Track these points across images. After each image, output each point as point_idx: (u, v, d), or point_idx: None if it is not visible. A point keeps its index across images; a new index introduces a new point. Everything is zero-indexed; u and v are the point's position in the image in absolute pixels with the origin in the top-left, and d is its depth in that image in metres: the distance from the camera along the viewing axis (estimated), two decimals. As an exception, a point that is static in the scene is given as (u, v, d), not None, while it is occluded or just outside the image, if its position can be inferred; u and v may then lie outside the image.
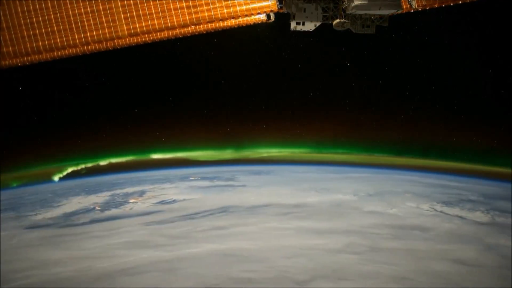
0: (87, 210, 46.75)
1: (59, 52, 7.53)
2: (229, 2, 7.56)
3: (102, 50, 7.77)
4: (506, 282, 27.50)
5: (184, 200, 49.94)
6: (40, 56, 7.45)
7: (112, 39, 7.48)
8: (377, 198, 50.08)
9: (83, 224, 40.72)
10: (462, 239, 35.65)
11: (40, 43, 7.29)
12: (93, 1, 7.27)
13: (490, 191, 60.08)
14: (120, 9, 7.34)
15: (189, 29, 7.86)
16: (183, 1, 7.46)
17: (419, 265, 29.75)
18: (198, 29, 7.96)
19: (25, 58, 7.42)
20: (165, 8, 7.43)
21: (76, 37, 7.38)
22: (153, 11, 7.42)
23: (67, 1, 7.22)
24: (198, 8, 7.50)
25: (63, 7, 7.26)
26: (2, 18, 7.13)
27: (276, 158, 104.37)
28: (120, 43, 7.68)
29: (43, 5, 7.19)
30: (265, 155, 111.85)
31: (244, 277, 27.69)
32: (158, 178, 70.18)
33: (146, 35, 7.71)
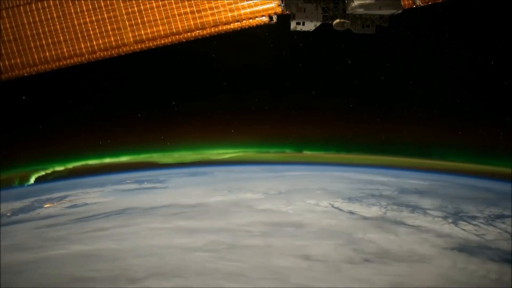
0: (-3, 216, 48.54)
1: (65, 62, 7.65)
2: (233, 6, 7.66)
3: (108, 57, 7.84)
4: (335, 275, 28.18)
5: (94, 203, 51.33)
6: (47, 66, 7.59)
7: (118, 46, 7.64)
8: (283, 196, 50.69)
9: (-19, 229, 42.44)
10: (330, 234, 36.20)
11: (47, 54, 7.45)
12: (98, 10, 7.43)
13: (412, 186, 60.23)
14: (125, 17, 7.51)
15: (194, 33, 7.87)
16: (188, 6, 7.58)
17: (263, 262, 30.53)
18: (202, 34, 7.94)
19: (32, 69, 7.55)
20: (170, 14, 7.56)
21: (82, 46, 7.54)
22: (158, 17, 7.54)
23: (72, 10, 7.43)
24: (203, 13, 7.63)
25: (68, 17, 7.42)
26: (9, 30, 7.31)
27: (237, 159, 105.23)
28: (125, 50, 7.79)
29: (48, 16, 7.38)
30: (231, 155, 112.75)
31: (86, 276, 28.87)
32: (96, 183, 72.02)
33: (151, 42, 7.78)
